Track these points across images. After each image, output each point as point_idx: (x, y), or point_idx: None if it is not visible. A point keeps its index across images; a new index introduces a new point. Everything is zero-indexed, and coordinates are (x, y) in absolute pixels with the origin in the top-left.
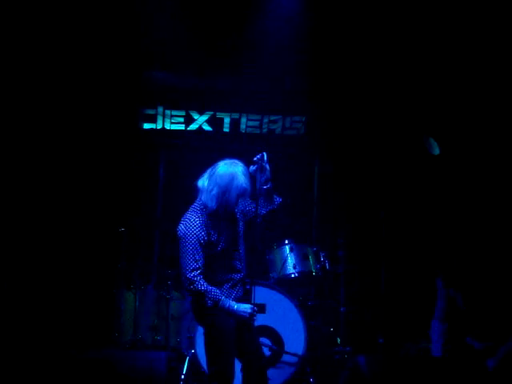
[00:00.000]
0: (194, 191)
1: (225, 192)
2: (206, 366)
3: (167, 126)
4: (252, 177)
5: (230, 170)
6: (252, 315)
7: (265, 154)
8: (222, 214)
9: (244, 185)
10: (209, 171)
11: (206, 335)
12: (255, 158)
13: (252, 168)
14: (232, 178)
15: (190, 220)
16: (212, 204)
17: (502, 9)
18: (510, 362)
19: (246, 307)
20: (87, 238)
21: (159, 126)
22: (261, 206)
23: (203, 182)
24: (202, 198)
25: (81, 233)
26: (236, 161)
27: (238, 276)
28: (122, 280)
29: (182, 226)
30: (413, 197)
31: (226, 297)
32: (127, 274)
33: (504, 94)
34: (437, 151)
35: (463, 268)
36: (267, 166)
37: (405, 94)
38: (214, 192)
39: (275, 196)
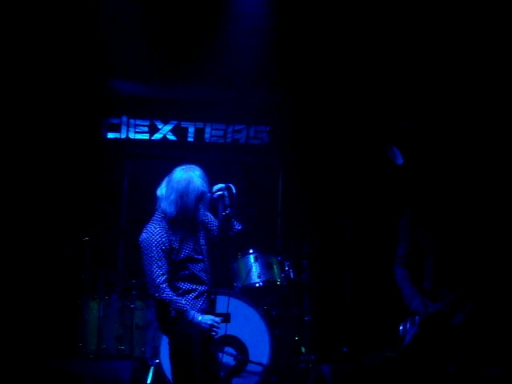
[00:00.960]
0: (155, 201)
1: (182, 196)
2: (171, 377)
3: (131, 136)
4: (213, 201)
5: (186, 174)
6: (212, 326)
7: (232, 187)
8: (182, 220)
9: (201, 187)
10: (166, 179)
11: (171, 345)
12: (219, 186)
13: (215, 193)
14: (189, 181)
15: (150, 228)
16: (171, 210)
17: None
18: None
19: (207, 318)
20: (51, 249)
21: (123, 136)
22: (220, 230)
23: (161, 189)
24: (162, 205)
25: (45, 243)
26: (193, 166)
27: (203, 288)
28: (87, 290)
29: (143, 236)
30: (377, 205)
31: (190, 308)
32: (91, 284)
33: (463, 107)
34: (400, 161)
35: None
36: (226, 196)
37: (368, 104)
38: (172, 197)
39: (236, 223)
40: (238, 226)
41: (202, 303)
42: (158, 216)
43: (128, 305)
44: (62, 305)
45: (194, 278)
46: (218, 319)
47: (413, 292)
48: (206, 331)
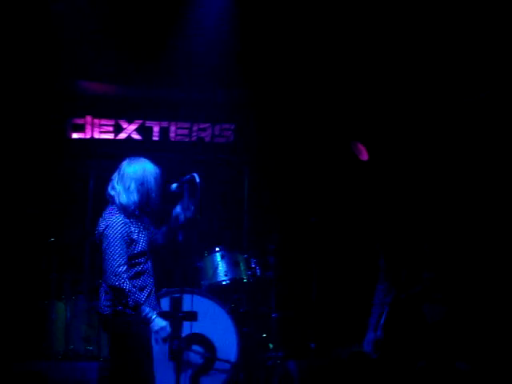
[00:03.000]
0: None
1: (143, 183)
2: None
3: (96, 136)
4: (170, 195)
5: (138, 163)
6: (162, 332)
7: (195, 175)
8: (142, 210)
9: (156, 168)
10: (116, 176)
11: (120, 345)
12: (184, 179)
13: (174, 186)
14: (143, 168)
15: (112, 219)
16: (134, 199)
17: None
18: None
19: (162, 322)
20: (17, 250)
21: (88, 136)
22: (162, 232)
23: (115, 186)
24: (120, 200)
25: (10, 244)
26: (136, 157)
27: (152, 285)
28: (53, 291)
29: (108, 223)
30: (343, 202)
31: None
32: (58, 284)
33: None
34: (365, 156)
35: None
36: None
37: (333, 100)
38: (132, 187)
39: (180, 233)
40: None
41: (154, 301)
42: (115, 210)
43: (95, 305)
44: (29, 306)
45: (148, 275)
46: (168, 329)
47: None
48: (155, 333)
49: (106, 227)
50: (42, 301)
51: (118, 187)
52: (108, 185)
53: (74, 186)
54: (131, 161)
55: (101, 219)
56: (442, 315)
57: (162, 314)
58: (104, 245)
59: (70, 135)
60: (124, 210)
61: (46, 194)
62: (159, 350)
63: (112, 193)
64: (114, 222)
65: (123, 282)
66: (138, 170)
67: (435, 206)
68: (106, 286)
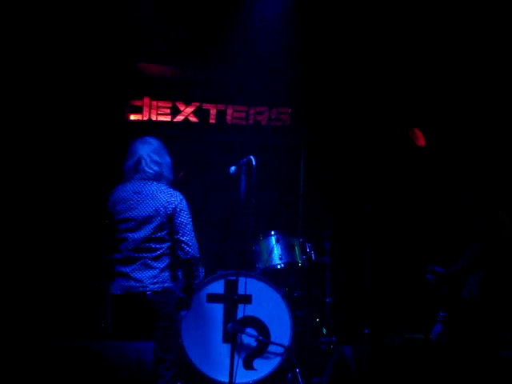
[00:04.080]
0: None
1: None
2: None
3: (154, 118)
4: (232, 179)
5: (156, 141)
6: None
7: (252, 158)
8: None
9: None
10: (150, 153)
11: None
12: (241, 162)
13: (232, 169)
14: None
15: (177, 193)
16: (171, 175)
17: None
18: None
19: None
20: (73, 231)
21: (146, 118)
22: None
23: (158, 162)
24: (167, 174)
25: (67, 225)
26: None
27: None
28: (109, 271)
29: (176, 198)
30: (399, 188)
31: None
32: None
33: (487, 87)
34: (422, 143)
35: None
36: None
37: (390, 85)
38: (168, 162)
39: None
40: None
41: None
42: (164, 184)
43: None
44: (86, 286)
45: None
46: None
47: None
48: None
49: (180, 200)
50: (98, 281)
51: (161, 163)
52: (141, 161)
53: None
54: (151, 138)
55: (160, 193)
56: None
57: (215, 297)
58: (185, 218)
59: (128, 117)
60: (170, 184)
61: (103, 176)
62: (214, 332)
63: (156, 168)
64: (181, 196)
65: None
66: (163, 147)
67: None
68: (187, 258)
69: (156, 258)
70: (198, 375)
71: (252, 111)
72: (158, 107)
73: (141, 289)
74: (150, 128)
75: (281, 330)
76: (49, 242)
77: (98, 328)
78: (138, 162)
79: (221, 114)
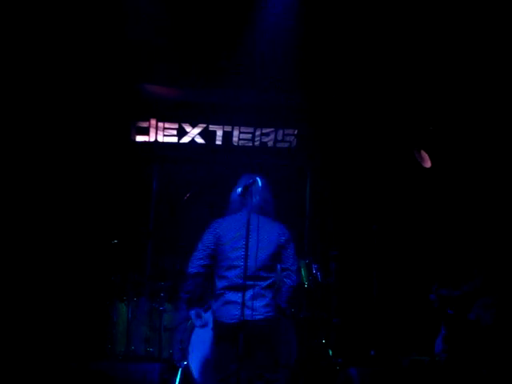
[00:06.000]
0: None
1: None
2: None
3: (160, 139)
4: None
5: (263, 179)
6: None
7: (258, 179)
8: None
9: None
10: (259, 190)
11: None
12: (247, 183)
13: (239, 190)
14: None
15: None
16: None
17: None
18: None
19: None
20: (81, 251)
21: (152, 139)
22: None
23: (268, 200)
24: (272, 211)
25: (74, 245)
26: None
27: None
28: (116, 292)
29: (286, 232)
30: (405, 209)
31: None
32: (120, 286)
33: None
34: (428, 164)
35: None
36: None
37: (396, 107)
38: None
39: None
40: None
41: None
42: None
43: (156, 307)
44: (92, 307)
45: None
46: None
47: None
48: None
49: (289, 233)
50: (104, 302)
51: (268, 200)
52: (258, 197)
53: (137, 188)
54: (258, 176)
55: (270, 225)
56: (493, 318)
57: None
58: (293, 250)
59: (135, 138)
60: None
61: (110, 196)
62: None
63: (266, 206)
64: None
65: None
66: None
67: (490, 211)
68: (290, 285)
69: (268, 287)
70: None
71: (258, 132)
72: (164, 128)
73: (260, 316)
74: (157, 149)
75: (287, 351)
76: (56, 262)
77: (104, 349)
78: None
79: (227, 136)
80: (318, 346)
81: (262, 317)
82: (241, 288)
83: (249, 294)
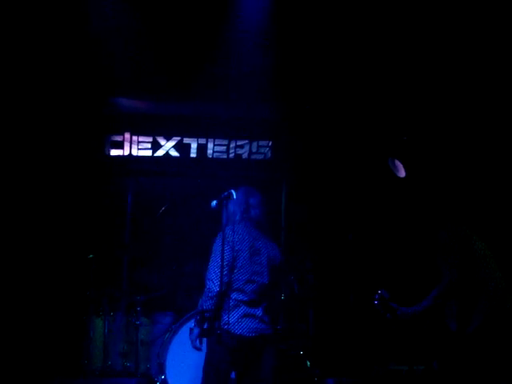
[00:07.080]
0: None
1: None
2: None
3: (134, 153)
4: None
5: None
6: None
7: (233, 192)
8: None
9: None
10: (259, 202)
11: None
12: (222, 195)
13: (213, 203)
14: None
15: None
16: None
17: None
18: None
19: None
20: (56, 266)
21: (126, 153)
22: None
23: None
24: (265, 226)
25: (49, 260)
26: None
27: None
28: (92, 307)
29: (277, 249)
30: (379, 218)
31: None
32: (96, 300)
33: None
34: (402, 173)
35: None
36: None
37: (370, 117)
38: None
39: None
40: None
41: None
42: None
43: (133, 321)
44: (68, 322)
45: None
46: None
47: None
48: None
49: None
50: (80, 317)
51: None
52: (258, 210)
53: (112, 203)
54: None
55: (270, 244)
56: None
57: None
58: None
59: (109, 152)
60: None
61: (84, 211)
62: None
63: (264, 221)
64: None
65: None
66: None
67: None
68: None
69: (273, 300)
70: None
71: (233, 145)
72: (138, 142)
73: (270, 330)
74: (131, 163)
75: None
76: (31, 277)
77: (81, 365)
78: (248, 208)
79: (202, 148)
80: (296, 357)
81: (270, 331)
82: (256, 303)
83: (262, 308)
